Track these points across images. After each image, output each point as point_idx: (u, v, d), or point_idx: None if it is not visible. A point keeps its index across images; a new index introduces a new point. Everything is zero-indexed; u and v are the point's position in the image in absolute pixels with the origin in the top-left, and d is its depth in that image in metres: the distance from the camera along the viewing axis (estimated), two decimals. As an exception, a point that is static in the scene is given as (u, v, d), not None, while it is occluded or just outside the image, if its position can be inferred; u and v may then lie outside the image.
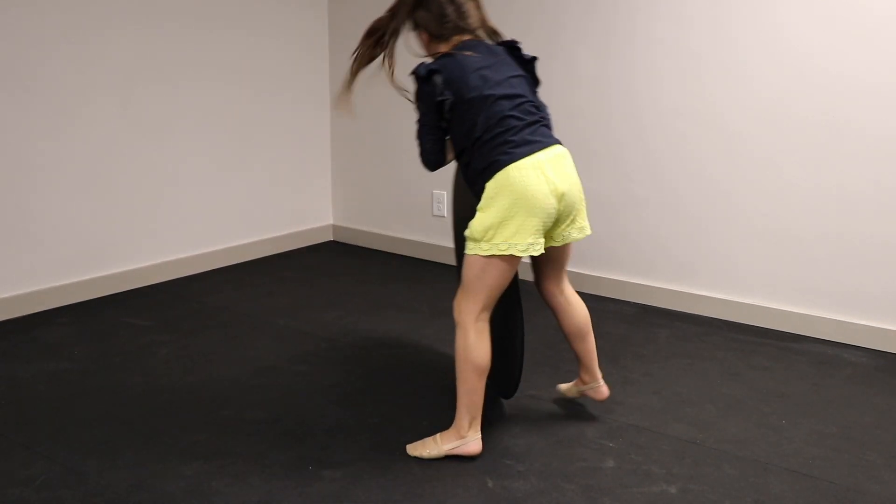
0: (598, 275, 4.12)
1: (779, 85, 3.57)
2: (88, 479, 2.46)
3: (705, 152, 3.80)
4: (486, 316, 2.51)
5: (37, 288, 3.85)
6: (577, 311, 2.76)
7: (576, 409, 2.91)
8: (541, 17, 4.08)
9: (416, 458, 2.58)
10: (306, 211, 5.08)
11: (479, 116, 2.42)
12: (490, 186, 2.40)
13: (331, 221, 5.23)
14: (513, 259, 2.44)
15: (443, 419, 2.82)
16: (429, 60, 2.54)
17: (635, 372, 3.25)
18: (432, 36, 2.55)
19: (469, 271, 2.47)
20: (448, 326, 3.64)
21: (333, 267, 4.69)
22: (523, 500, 2.37)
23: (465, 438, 2.56)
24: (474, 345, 2.49)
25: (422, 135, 2.55)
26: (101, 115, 4.00)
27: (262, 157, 4.76)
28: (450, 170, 3.21)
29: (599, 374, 2.85)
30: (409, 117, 4.77)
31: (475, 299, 2.48)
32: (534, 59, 2.61)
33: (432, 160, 2.57)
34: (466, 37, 2.54)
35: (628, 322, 3.80)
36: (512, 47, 2.59)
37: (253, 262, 4.73)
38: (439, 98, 2.44)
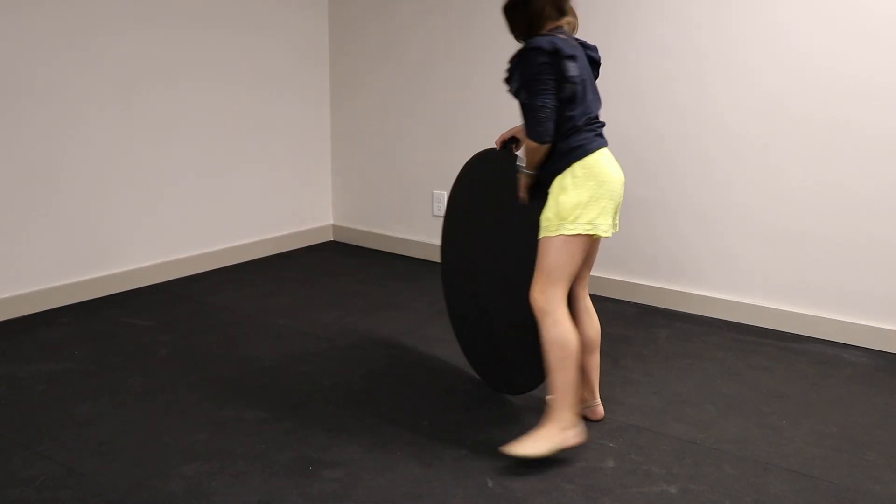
0: (599, 275, 4.12)
1: (779, 85, 3.57)
2: (88, 479, 2.46)
3: (706, 152, 3.80)
4: (566, 301, 2.54)
5: (37, 288, 3.85)
6: (594, 323, 2.76)
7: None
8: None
9: (413, 457, 2.57)
10: (306, 211, 5.08)
11: (579, 103, 2.51)
12: (578, 167, 2.50)
13: (331, 221, 5.23)
14: (589, 240, 2.53)
15: (443, 419, 2.82)
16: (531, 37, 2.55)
17: (635, 372, 3.25)
18: (554, 9, 2.54)
19: (554, 255, 2.50)
20: (448, 326, 3.64)
21: (333, 267, 4.69)
22: (523, 500, 2.37)
23: (571, 431, 2.54)
24: (571, 331, 2.50)
25: (544, 100, 2.46)
26: (102, 115, 4.00)
27: (262, 158, 4.76)
28: (451, 170, 3.21)
29: (598, 394, 2.84)
30: (408, 117, 4.80)
31: (562, 283, 2.51)
32: (600, 63, 2.71)
33: (550, 127, 2.48)
34: (564, 22, 2.59)
35: (628, 322, 3.79)
36: (585, 45, 2.66)
37: (253, 262, 4.73)
38: (571, 75, 2.46)
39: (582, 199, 2.48)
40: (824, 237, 3.55)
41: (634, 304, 4.05)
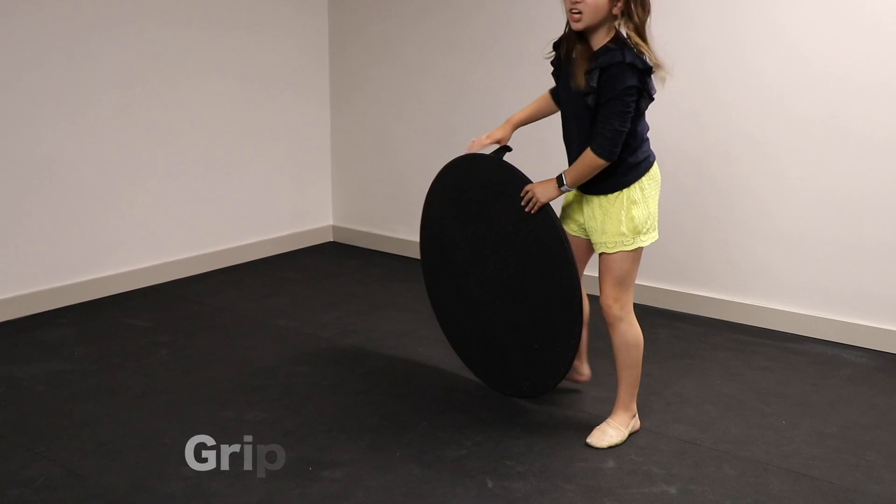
0: (598, 275, 4.12)
1: (780, 85, 3.57)
2: (88, 479, 2.46)
3: (705, 152, 3.79)
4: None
5: (37, 288, 3.85)
6: (586, 303, 2.79)
7: (576, 410, 2.92)
8: (544, 18, 4.07)
9: (413, 457, 2.57)
10: (306, 211, 5.08)
11: (643, 116, 2.59)
12: (646, 179, 2.58)
13: (331, 222, 5.23)
14: None
15: (443, 419, 2.82)
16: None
17: (635, 372, 3.24)
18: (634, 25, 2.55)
19: (629, 265, 2.62)
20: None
21: (333, 267, 4.68)
22: (523, 500, 2.37)
23: (636, 417, 2.75)
24: (640, 330, 2.69)
25: (624, 123, 2.47)
26: (101, 115, 4.00)
27: (262, 158, 4.76)
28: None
29: (586, 359, 2.98)
30: (408, 117, 4.80)
31: (632, 288, 2.67)
32: None
33: (620, 147, 2.50)
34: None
35: (628, 322, 3.79)
36: None
37: (253, 262, 4.73)
38: (653, 93, 2.54)
39: (652, 210, 2.61)
40: (824, 237, 3.55)
41: (634, 304, 4.03)
